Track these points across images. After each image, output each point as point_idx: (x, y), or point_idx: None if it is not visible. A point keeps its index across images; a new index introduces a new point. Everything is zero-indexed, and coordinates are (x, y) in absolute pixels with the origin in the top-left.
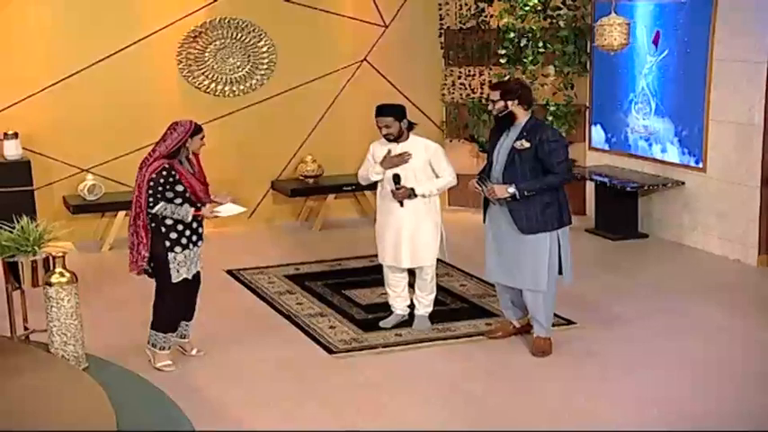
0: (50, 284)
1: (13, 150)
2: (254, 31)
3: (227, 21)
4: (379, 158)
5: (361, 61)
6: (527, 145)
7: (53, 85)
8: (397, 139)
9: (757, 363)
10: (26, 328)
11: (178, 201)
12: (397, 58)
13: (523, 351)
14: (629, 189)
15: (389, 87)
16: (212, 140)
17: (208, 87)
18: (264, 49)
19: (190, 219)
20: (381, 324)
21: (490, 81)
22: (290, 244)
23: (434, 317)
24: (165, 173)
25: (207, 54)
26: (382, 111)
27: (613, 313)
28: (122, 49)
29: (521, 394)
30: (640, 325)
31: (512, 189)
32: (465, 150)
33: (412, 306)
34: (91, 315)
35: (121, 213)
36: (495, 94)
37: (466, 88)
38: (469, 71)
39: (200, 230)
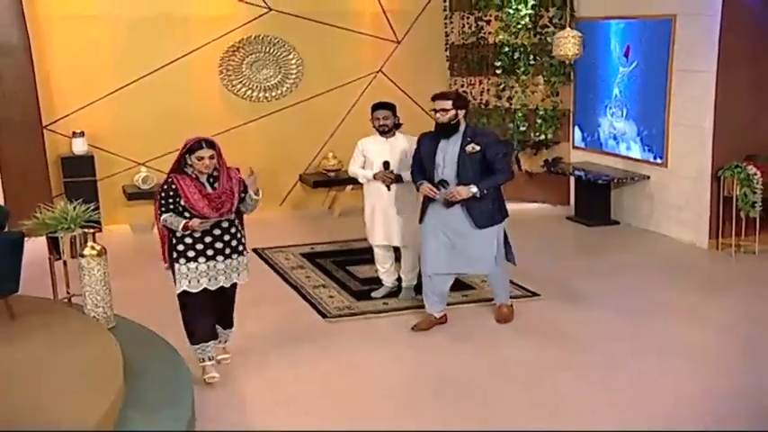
0: (83, 256)
1: (80, 147)
2: (284, 46)
3: (261, 38)
4: (369, 151)
5: (377, 72)
6: (478, 148)
7: (114, 91)
8: (388, 132)
9: (697, 334)
10: (68, 293)
11: (187, 214)
12: (408, 70)
13: (488, 319)
14: (600, 182)
15: (401, 95)
16: (250, 139)
17: (244, 94)
18: (293, 61)
19: (180, 229)
20: (373, 294)
21: (486, 89)
22: (312, 227)
23: (418, 289)
24: (166, 186)
25: (244, 66)
26: (382, 105)
27: (575, 288)
28: (173, 62)
29: (484, 351)
30: (598, 297)
31: (474, 189)
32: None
33: (399, 279)
34: (132, 284)
35: None
36: (447, 104)
37: (467, 94)
38: (471, 80)
39: (217, 245)
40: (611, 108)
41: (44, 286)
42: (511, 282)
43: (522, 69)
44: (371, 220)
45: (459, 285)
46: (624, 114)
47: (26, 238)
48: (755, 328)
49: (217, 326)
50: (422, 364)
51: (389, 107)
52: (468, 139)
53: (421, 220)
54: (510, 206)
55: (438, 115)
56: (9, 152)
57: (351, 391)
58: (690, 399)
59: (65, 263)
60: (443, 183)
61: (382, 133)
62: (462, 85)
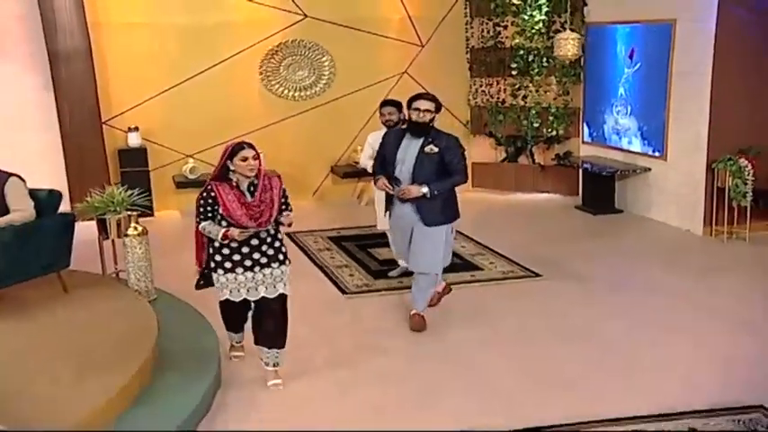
0: (127, 236)
1: (134, 140)
2: (318, 49)
3: (297, 42)
4: (377, 144)
5: (402, 73)
6: (436, 150)
7: (165, 91)
8: (393, 127)
9: (689, 311)
10: (116, 269)
11: (224, 223)
12: (431, 71)
13: (493, 297)
14: (605, 174)
15: None
16: (286, 135)
17: (281, 93)
18: (326, 63)
19: (219, 238)
20: (389, 274)
21: (503, 89)
22: (340, 214)
23: None
24: (205, 193)
25: (281, 67)
26: (388, 102)
27: (576, 269)
28: (218, 64)
29: (483, 323)
30: (597, 278)
31: (425, 189)
32: (485, 143)
33: None
34: (176, 262)
35: None
36: (431, 105)
37: (486, 94)
38: (489, 81)
39: (254, 255)
40: (616, 106)
41: (95, 263)
42: (516, 263)
43: (536, 70)
44: (381, 208)
45: (468, 266)
46: (628, 112)
47: (79, 220)
48: (745, 308)
49: (263, 348)
50: (424, 334)
51: (395, 104)
52: (429, 140)
53: (388, 214)
54: (523, 196)
55: (422, 115)
56: (73, 145)
57: (364, 350)
58: (679, 368)
59: (112, 242)
60: (396, 180)
61: (388, 128)
62: (481, 85)
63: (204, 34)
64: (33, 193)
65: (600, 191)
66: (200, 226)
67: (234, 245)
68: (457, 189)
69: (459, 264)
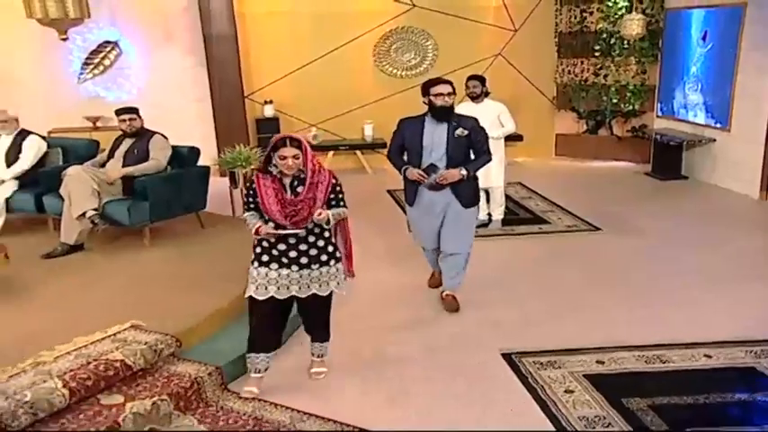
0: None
1: (269, 111)
2: (423, 34)
3: (406, 28)
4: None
5: (497, 55)
6: (465, 132)
7: (295, 70)
8: (477, 98)
9: (734, 262)
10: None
11: (266, 217)
12: (522, 53)
13: (553, 247)
14: (672, 143)
15: (516, 74)
16: (394, 108)
17: (390, 72)
18: (430, 46)
19: (253, 232)
20: None
21: (586, 69)
22: None
23: (505, 222)
24: (249, 183)
25: (391, 50)
26: (475, 77)
27: (634, 224)
28: (339, 47)
29: (533, 267)
30: (653, 232)
31: (464, 171)
32: (569, 117)
33: (490, 214)
34: None
35: (330, 153)
36: (451, 88)
37: (571, 73)
38: (573, 62)
39: (291, 254)
40: (688, 83)
41: (227, 207)
42: (580, 219)
43: (617, 52)
44: None
45: (537, 220)
46: (698, 88)
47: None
48: None
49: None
50: (493, 270)
51: (480, 78)
52: (455, 123)
53: (410, 203)
54: (600, 164)
55: (447, 99)
56: (222, 115)
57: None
58: (717, 310)
59: (240, 190)
60: (433, 167)
61: (471, 99)
62: (567, 66)
63: (329, 22)
64: (177, 149)
65: (668, 159)
66: (243, 215)
67: (272, 240)
68: (541, 156)
69: (529, 218)
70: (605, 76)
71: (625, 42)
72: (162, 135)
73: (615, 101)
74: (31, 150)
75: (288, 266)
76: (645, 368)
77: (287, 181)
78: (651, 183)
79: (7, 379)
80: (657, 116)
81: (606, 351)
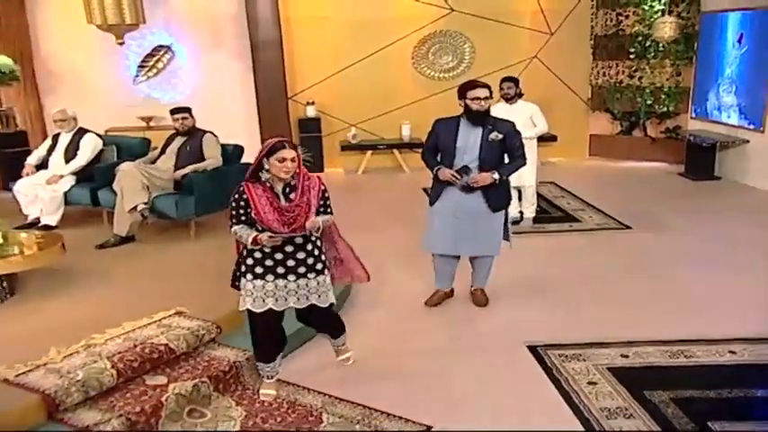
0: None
1: (311, 112)
2: (461, 38)
3: (443, 32)
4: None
5: (533, 58)
6: (500, 136)
7: (336, 73)
8: (511, 99)
9: (762, 259)
10: None
11: (259, 226)
12: (558, 55)
13: (585, 244)
14: (705, 144)
15: (551, 75)
16: (432, 109)
17: (428, 74)
18: (467, 49)
19: (249, 243)
20: None
21: (621, 71)
22: None
23: (536, 220)
24: (237, 195)
25: (430, 53)
26: (509, 78)
27: (664, 222)
28: (378, 51)
29: (569, 258)
30: (682, 229)
31: (496, 175)
32: (603, 118)
33: (522, 212)
34: (342, 203)
35: (368, 152)
36: (488, 92)
37: (606, 75)
38: (609, 64)
39: (288, 263)
40: (722, 85)
41: None
42: (611, 217)
43: (652, 54)
44: None
45: (568, 218)
46: (733, 90)
47: None
48: None
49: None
50: (522, 266)
51: (513, 80)
52: (490, 127)
53: (432, 203)
54: (633, 164)
55: (483, 103)
56: (266, 115)
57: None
58: (744, 308)
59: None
60: (466, 169)
61: (506, 100)
62: (602, 68)
63: (369, 27)
64: (223, 147)
65: (701, 160)
66: (232, 230)
67: (266, 250)
68: (574, 157)
69: (560, 216)
70: (640, 78)
71: (660, 45)
72: (212, 134)
73: (649, 102)
74: (88, 147)
75: (284, 276)
76: (669, 362)
77: (278, 188)
78: (683, 183)
79: (62, 359)
80: (691, 117)
81: (631, 345)
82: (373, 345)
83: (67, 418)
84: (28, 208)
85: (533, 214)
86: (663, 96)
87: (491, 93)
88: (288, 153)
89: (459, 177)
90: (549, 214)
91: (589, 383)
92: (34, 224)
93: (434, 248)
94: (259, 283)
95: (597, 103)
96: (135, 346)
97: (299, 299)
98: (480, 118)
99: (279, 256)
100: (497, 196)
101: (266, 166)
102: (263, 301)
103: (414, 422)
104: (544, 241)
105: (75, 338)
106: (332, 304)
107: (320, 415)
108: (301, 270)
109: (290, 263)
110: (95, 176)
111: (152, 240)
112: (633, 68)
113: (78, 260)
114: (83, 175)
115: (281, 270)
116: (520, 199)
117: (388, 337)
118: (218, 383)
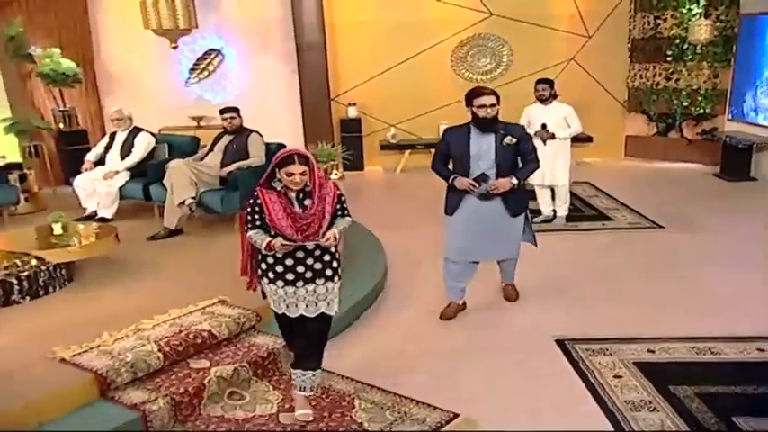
0: (328, 178)
1: (352, 113)
2: (499, 41)
3: (481, 35)
4: (532, 116)
5: (570, 60)
6: (514, 140)
7: (377, 75)
8: (546, 101)
9: None
10: None
11: (272, 232)
12: (595, 58)
13: (614, 242)
14: (740, 146)
15: (588, 78)
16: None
17: (467, 77)
18: (505, 52)
19: (263, 249)
20: (534, 220)
21: (658, 73)
22: None
23: (569, 218)
24: (251, 200)
25: (468, 56)
26: (544, 80)
27: (697, 222)
28: (418, 54)
29: (594, 256)
30: (717, 231)
31: (514, 180)
32: (640, 119)
33: (555, 211)
34: (371, 203)
35: (407, 152)
36: (495, 99)
37: (643, 78)
38: (646, 66)
39: (298, 269)
40: (760, 87)
41: None
42: (644, 217)
43: (690, 57)
44: None
45: (601, 217)
46: None
47: None
48: None
49: (293, 369)
50: (551, 264)
51: (548, 82)
52: (502, 132)
53: (450, 212)
54: (669, 165)
55: (489, 111)
56: (310, 116)
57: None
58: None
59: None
60: (483, 176)
61: (541, 101)
62: (639, 70)
63: (410, 30)
64: (267, 145)
65: (737, 161)
66: (247, 234)
67: (278, 255)
68: (610, 157)
69: (593, 215)
70: (677, 80)
71: (697, 48)
72: (258, 133)
73: (686, 104)
74: (142, 145)
75: (293, 283)
76: (695, 358)
77: (293, 195)
78: (719, 184)
79: (113, 342)
80: (728, 119)
81: (658, 341)
82: (404, 334)
83: (118, 396)
84: (86, 202)
85: (566, 213)
86: (699, 98)
87: (498, 100)
88: (296, 168)
89: (477, 185)
90: (583, 213)
91: (615, 377)
92: (92, 217)
93: (450, 254)
94: (272, 287)
95: (633, 104)
96: (180, 331)
97: (308, 305)
98: (489, 125)
99: (289, 261)
100: (516, 201)
101: (278, 176)
102: (279, 305)
103: (442, 410)
104: (576, 239)
105: (126, 325)
106: (330, 317)
107: (352, 400)
108: (309, 275)
109: (300, 269)
110: (148, 173)
111: (198, 233)
112: (670, 71)
113: (131, 251)
114: (137, 171)
115: (290, 276)
116: (553, 198)
117: (416, 327)
118: (256, 368)
